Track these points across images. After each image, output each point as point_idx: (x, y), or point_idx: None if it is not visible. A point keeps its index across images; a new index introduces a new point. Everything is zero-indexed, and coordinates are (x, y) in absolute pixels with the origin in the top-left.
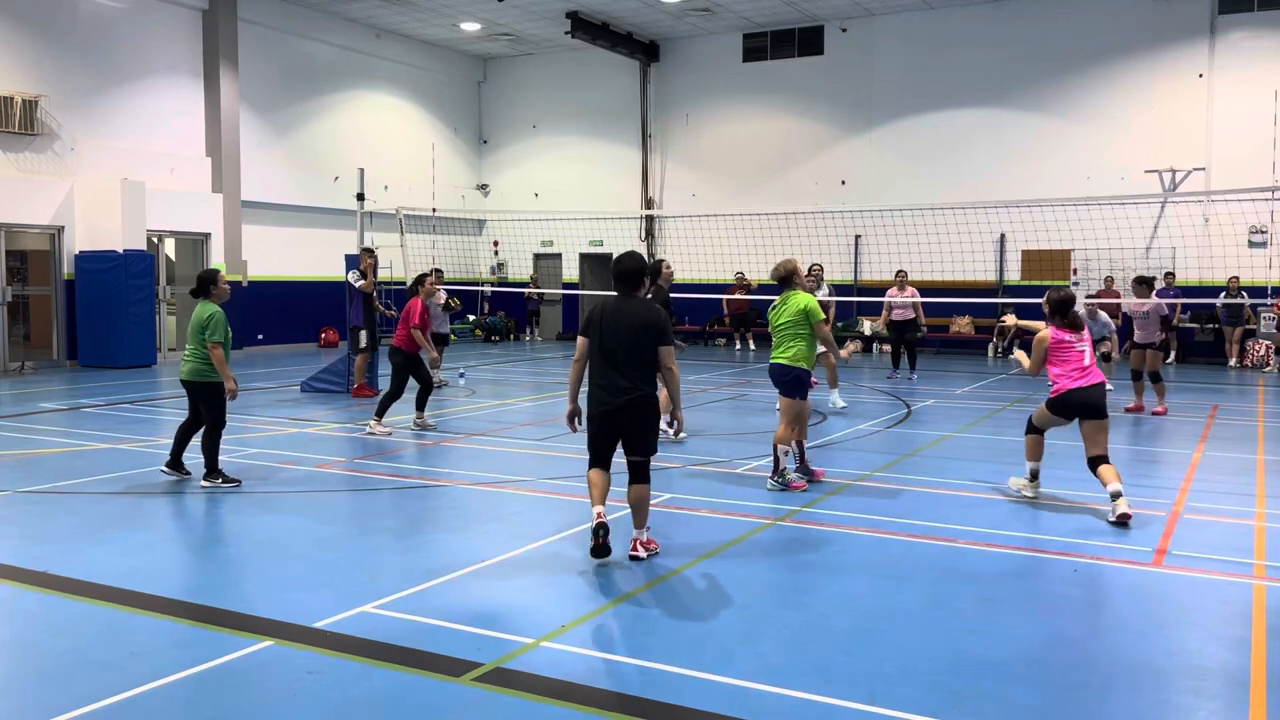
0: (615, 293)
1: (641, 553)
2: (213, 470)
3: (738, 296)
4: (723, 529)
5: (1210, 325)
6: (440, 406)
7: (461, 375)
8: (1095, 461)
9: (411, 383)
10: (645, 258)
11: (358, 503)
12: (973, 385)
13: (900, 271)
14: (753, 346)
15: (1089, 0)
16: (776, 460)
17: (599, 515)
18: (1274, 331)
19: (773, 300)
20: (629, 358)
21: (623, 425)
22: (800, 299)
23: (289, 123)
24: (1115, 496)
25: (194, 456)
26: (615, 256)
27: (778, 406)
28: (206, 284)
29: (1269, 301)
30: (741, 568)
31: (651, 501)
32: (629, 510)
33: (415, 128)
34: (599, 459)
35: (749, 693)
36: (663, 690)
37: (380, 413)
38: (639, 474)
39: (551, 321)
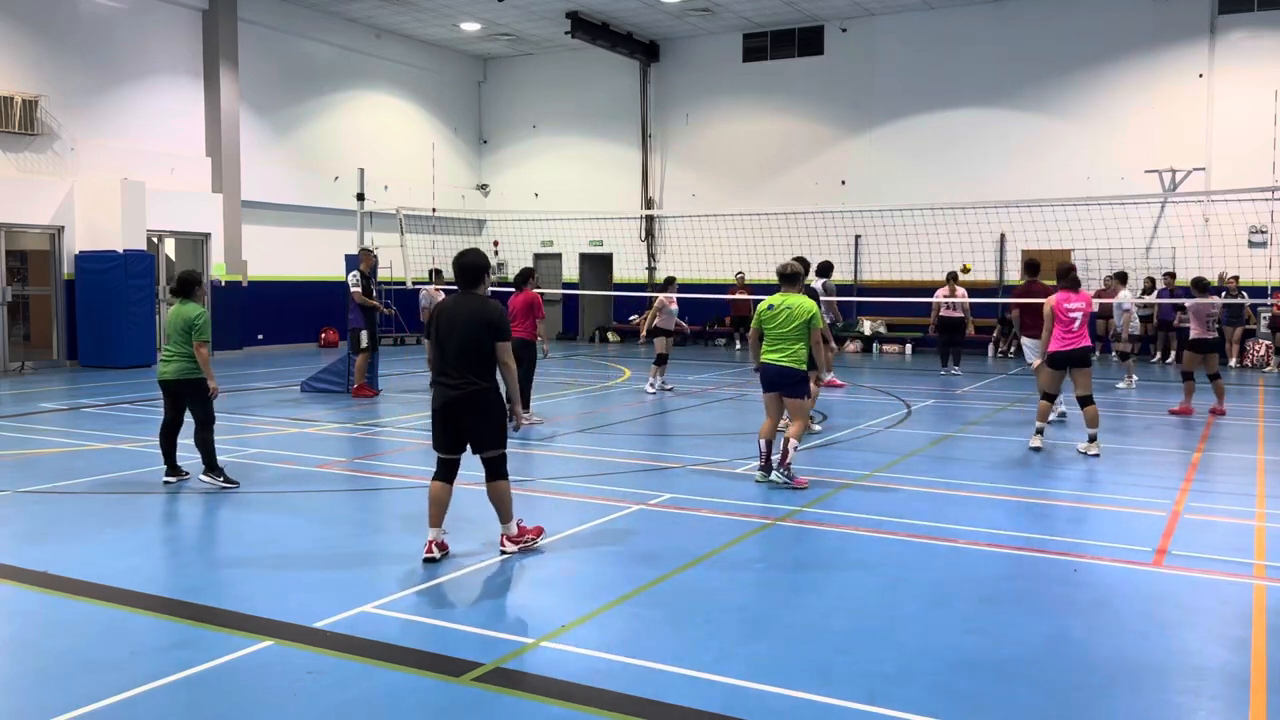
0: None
1: (509, 547)
2: (212, 466)
3: (739, 296)
4: (723, 529)
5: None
6: None
7: None
8: (1084, 401)
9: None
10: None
11: (358, 503)
12: (973, 385)
13: (951, 273)
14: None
15: (1089, 0)
16: (785, 453)
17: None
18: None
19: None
20: (461, 353)
21: (463, 420)
22: (806, 305)
23: (289, 123)
24: (1091, 439)
25: (187, 455)
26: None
27: (784, 404)
28: (190, 284)
29: (1269, 301)
30: (742, 567)
31: (651, 502)
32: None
33: (415, 128)
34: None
35: (749, 693)
36: (663, 690)
37: (525, 404)
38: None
39: (551, 321)
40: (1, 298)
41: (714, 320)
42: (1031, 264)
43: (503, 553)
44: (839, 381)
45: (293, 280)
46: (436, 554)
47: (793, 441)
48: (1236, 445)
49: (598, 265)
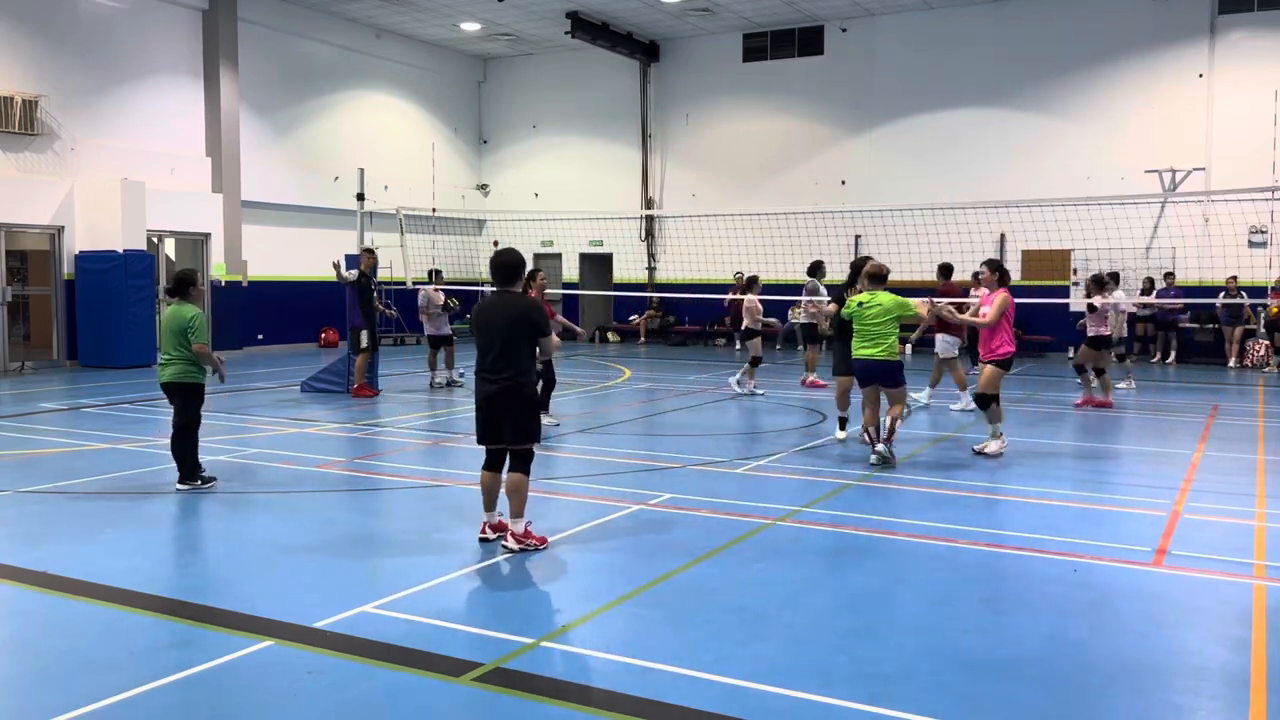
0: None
1: (512, 544)
2: (192, 473)
3: (739, 296)
4: (723, 529)
5: (1210, 325)
6: (440, 407)
7: (461, 375)
8: (991, 400)
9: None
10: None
11: (358, 503)
12: (972, 386)
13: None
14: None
15: (1089, 0)
16: (892, 430)
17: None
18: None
19: (776, 299)
20: (499, 350)
21: (500, 414)
22: (890, 298)
23: (289, 123)
24: (994, 438)
25: (204, 456)
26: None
27: (865, 395)
28: (186, 285)
29: (1268, 300)
30: (741, 568)
31: (651, 502)
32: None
33: (415, 128)
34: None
35: (749, 693)
36: (663, 690)
37: (545, 406)
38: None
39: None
40: (1, 298)
41: (714, 320)
42: (945, 267)
43: (504, 548)
44: (821, 382)
45: (293, 280)
46: (490, 534)
47: (897, 421)
48: (1236, 445)
49: (598, 265)
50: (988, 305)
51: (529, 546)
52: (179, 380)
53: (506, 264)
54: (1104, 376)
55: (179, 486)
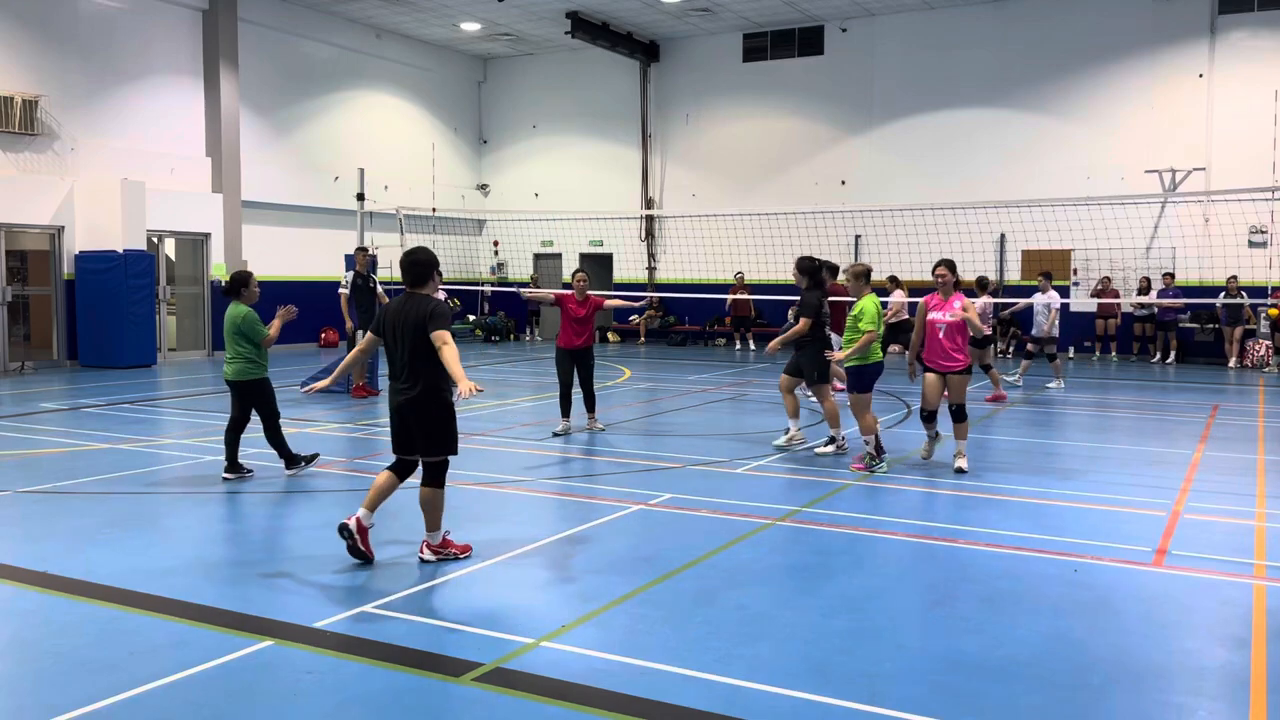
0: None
1: (428, 555)
2: (291, 459)
3: (740, 297)
4: (723, 529)
5: (1210, 325)
6: None
7: None
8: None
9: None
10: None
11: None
12: (972, 385)
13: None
14: (752, 347)
15: (1089, 0)
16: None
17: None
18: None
19: (776, 299)
20: (408, 356)
21: (411, 423)
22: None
23: (289, 123)
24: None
25: (242, 454)
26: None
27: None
28: (238, 285)
29: (1268, 301)
30: (742, 568)
31: (651, 502)
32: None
33: (415, 128)
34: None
35: (749, 693)
36: (663, 690)
37: (590, 407)
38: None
39: (551, 321)
40: (1, 298)
41: (714, 320)
42: (832, 267)
43: (421, 560)
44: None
45: (293, 280)
46: (350, 524)
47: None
48: (1236, 445)
49: (598, 265)
50: (947, 311)
51: (448, 555)
52: (240, 378)
53: (416, 263)
54: (992, 372)
55: (287, 473)
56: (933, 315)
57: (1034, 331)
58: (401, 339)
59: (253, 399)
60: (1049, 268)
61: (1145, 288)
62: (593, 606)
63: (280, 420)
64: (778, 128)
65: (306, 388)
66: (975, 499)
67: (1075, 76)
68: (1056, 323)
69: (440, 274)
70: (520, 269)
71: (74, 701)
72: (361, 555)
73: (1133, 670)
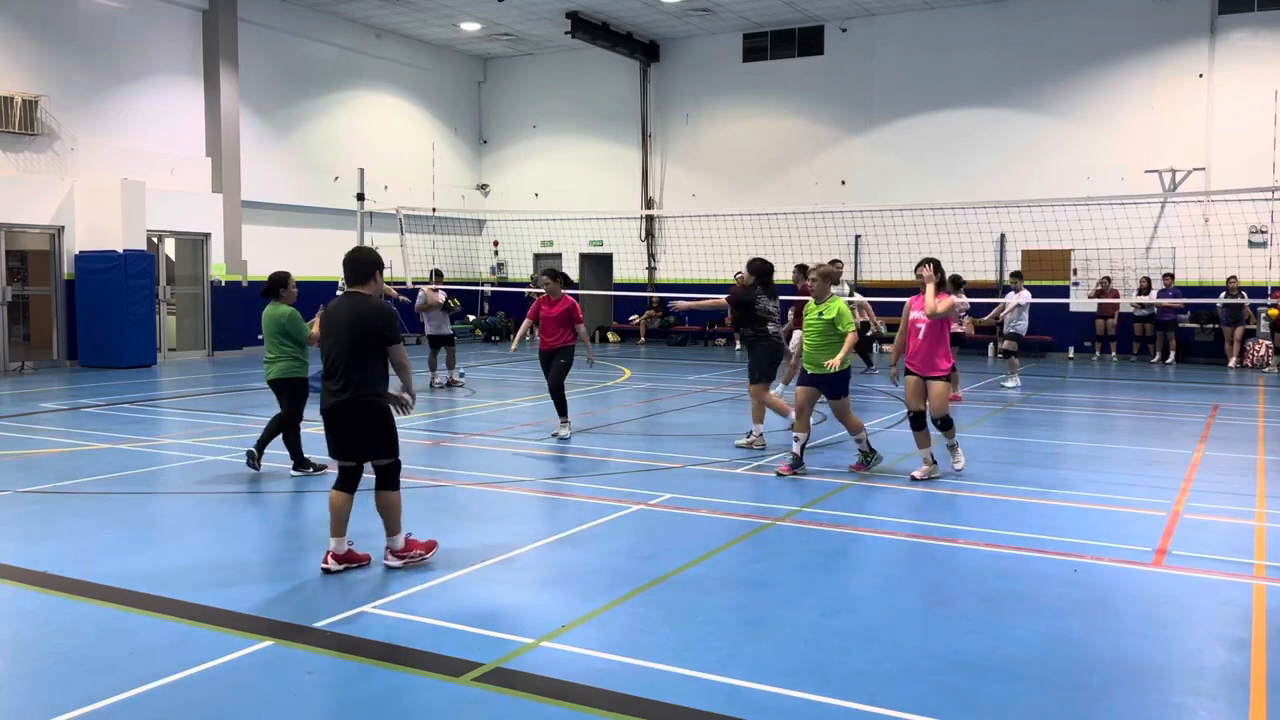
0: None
1: (394, 561)
2: (301, 461)
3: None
4: (723, 529)
5: (1210, 325)
6: (441, 406)
7: (462, 375)
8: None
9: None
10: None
11: (358, 503)
12: (972, 385)
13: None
14: None
15: (1089, 0)
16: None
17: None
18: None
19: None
20: (343, 357)
21: (344, 428)
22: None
23: (289, 123)
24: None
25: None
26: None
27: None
28: (277, 286)
29: (1268, 301)
30: (742, 568)
31: (651, 502)
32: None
33: (415, 128)
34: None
35: (749, 693)
36: (663, 690)
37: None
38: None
39: None
40: (1, 298)
41: (714, 321)
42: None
43: (386, 567)
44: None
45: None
46: (334, 565)
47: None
48: (1236, 445)
49: (598, 265)
50: (918, 309)
51: (414, 559)
52: (284, 376)
53: (357, 260)
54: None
55: (292, 473)
56: (914, 315)
57: (1008, 329)
58: (338, 339)
59: (288, 395)
60: (1049, 268)
61: (1145, 288)
62: (593, 606)
63: (302, 422)
64: (778, 128)
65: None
66: (975, 499)
67: (1075, 76)
68: (1019, 323)
69: (382, 273)
70: (520, 269)
71: (74, 701)
72: (358, 564)
73: (1133, 670)
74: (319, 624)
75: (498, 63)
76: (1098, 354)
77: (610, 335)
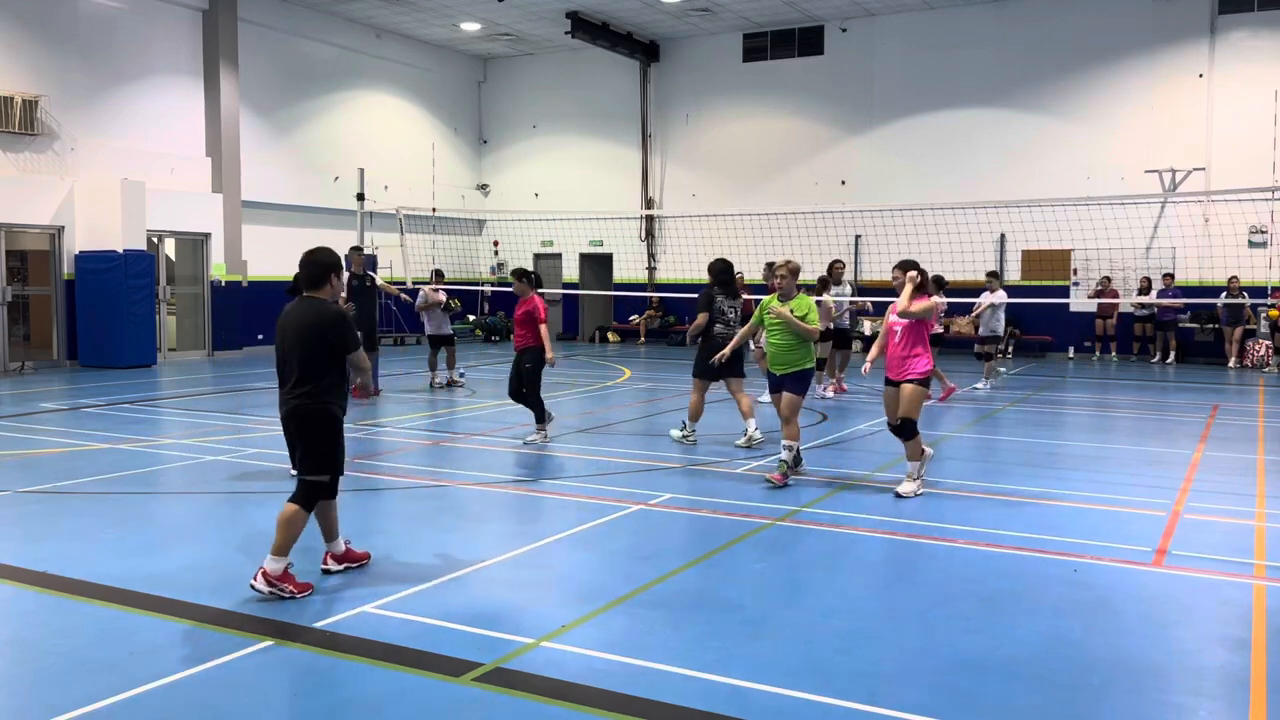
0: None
1: (262, 585)
2: None
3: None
4: (723, 529)
5: (1210, 325)
6: (441, 407)
7: (462, 375)
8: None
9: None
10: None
11: (358, 503)
12: (972, 385)
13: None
14: (752, 347)
15: (1089, 0)
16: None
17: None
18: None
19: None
20: (295, 364)
21: (292, 435)
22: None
23: (289, 123)
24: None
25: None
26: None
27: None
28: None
29: (1268, 301)
30: (742, 568)
31: (651, 502)
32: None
33: (415, 128)
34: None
35: (749, 693)
36: (663, 690)
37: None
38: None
39: (551, 321)
40: (1, 298)
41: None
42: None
43: (251, 587)
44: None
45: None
46: (334, 565)
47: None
48: (1236, 445)
49: (598, 265)
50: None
51: (282, 591)
52: None
53: (313, 263)
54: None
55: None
56: (890, 319)
57: (984, 331)
58: (292, 345)
59: None
60: (1049, 268)
61: (1145, 288)
62: (593, 606)
63: None
64: (778, 128)
65: None
66: (975, 499)
67: (1075, 76)
68: (994, 323)
69: (340, 275)
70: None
71: (74, 701)
72: (358, 563)
73: (1133, 670)
74: (319, 624)
75: (498, 63)
76: (1098, 354)
77: (610, 335)
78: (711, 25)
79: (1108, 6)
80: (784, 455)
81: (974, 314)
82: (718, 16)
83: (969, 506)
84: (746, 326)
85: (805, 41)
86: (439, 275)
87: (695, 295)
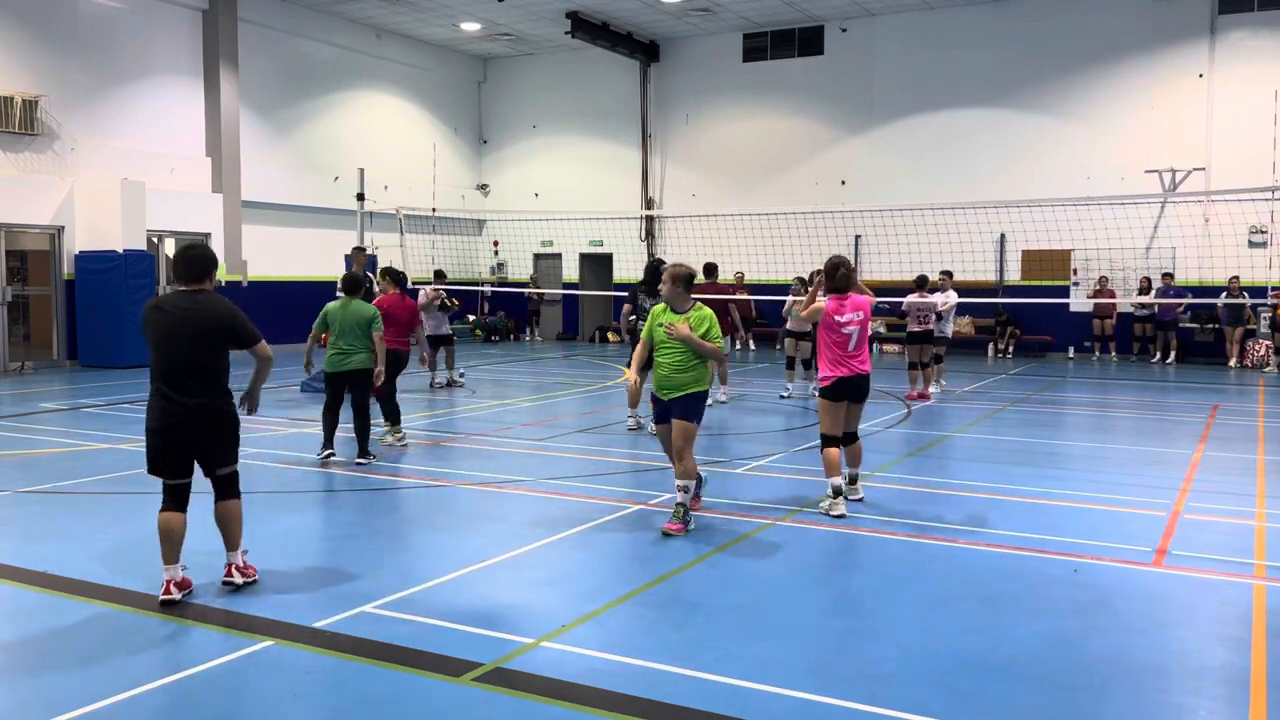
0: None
1: (237, 578)
2: (365, 451)
3: (740, 297)
4: (723, 529)
5: (1210, 325)
6: (441, 406)
7: (461, 374)
8: (850, 439)
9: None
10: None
11: (358, 503)
12: (972, 385)
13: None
14: (753, 346)
15: (1089, 0)
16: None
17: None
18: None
19: (782, 300)
20: (190, 362)
21: (194, 438)
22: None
23: (289, 123)
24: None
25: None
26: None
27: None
28: (359, 284)
29: (1269, 301)
30: (742, 568)
31: (651, 502)
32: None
33: (415, 128)
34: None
35: (749, 693)
36: (663, 690)
37: (396, 420)
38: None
39: (552, 321)
40: (1, 298)
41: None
42: (710, 266)
43: (226, 583)
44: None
45: (293, 280)
46: (176, 594)
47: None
48: (1236, 445)
49: (598, 265)
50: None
51: (250, 576)
52: (364, 367)
53: (192, 259)
54: (927, 369)
55: (358, 461)
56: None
57: (937, 334)
58: (185, 343)
59: (360, 384)
60: (1049, 268)
61: (1145, 288)
62: (593, 606)
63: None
64: (778, 128)
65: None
66: (975, 499)
67: (1075, 76)
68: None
69: (216, 269)
70: (520, 269)
71: (74, 701)
72: (189, 589)
73: (1133, 670)
74: (319, 624)
75: (498, 63)
76: (1097, 354)
77: (610, 335)
78: (711, 25)
79: (1108, 6)
80: (679, 498)
81: (941, 311)
82: (718, 16)
83: (969, 506)
84: (639, 346)
85: (805, 41)
86: (440, 276)
87: (695, 296)
